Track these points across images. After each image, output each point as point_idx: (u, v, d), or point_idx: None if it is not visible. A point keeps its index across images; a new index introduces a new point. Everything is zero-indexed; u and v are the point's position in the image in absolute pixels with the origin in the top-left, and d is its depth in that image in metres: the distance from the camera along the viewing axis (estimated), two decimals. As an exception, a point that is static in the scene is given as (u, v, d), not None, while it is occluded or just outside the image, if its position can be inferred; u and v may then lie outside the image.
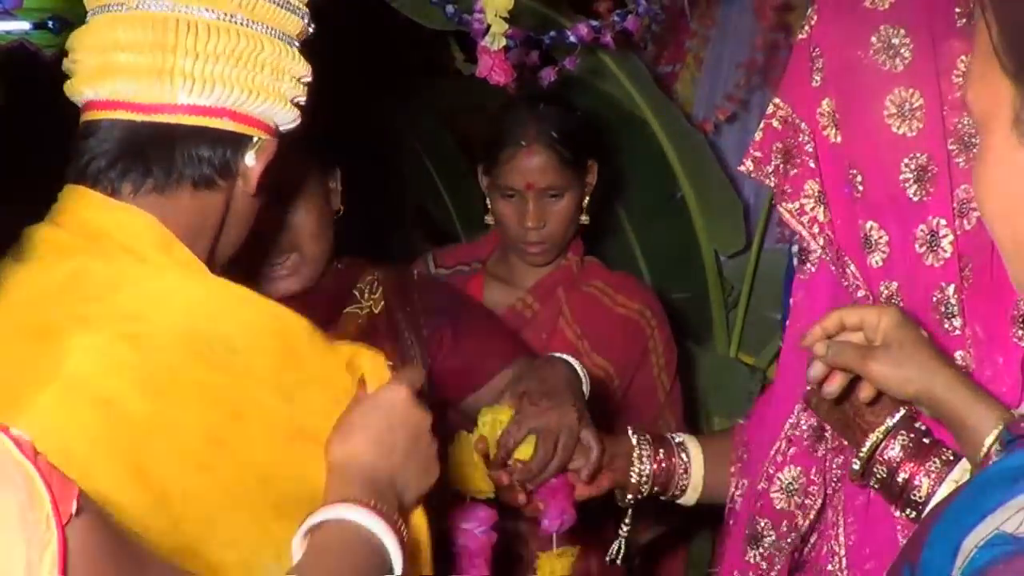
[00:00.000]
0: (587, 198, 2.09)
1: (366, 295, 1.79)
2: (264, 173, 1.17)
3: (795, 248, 1.41)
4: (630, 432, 1.50)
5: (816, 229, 1.28)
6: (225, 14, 1.11)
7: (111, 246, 1.09)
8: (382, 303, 1.79)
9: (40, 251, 1.10)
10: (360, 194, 1.87)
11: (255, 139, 1.14)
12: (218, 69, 1.10)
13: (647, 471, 1.48)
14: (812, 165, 1.29)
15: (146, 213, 1.11)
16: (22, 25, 2.27)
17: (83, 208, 1.12)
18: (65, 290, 1.06)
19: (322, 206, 1.71)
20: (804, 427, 1.32)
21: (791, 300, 1.36)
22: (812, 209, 1.29)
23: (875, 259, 1.26)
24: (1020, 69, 0.69)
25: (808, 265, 1.32)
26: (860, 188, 1.25)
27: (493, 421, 1.46)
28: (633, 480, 1.48)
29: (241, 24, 1.11)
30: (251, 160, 1.14)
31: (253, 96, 1.12)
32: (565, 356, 1.60)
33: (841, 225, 1.28)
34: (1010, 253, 0.75)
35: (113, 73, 1.11)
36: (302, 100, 1.18)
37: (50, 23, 2.28)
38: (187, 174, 1.12)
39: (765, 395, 1.46)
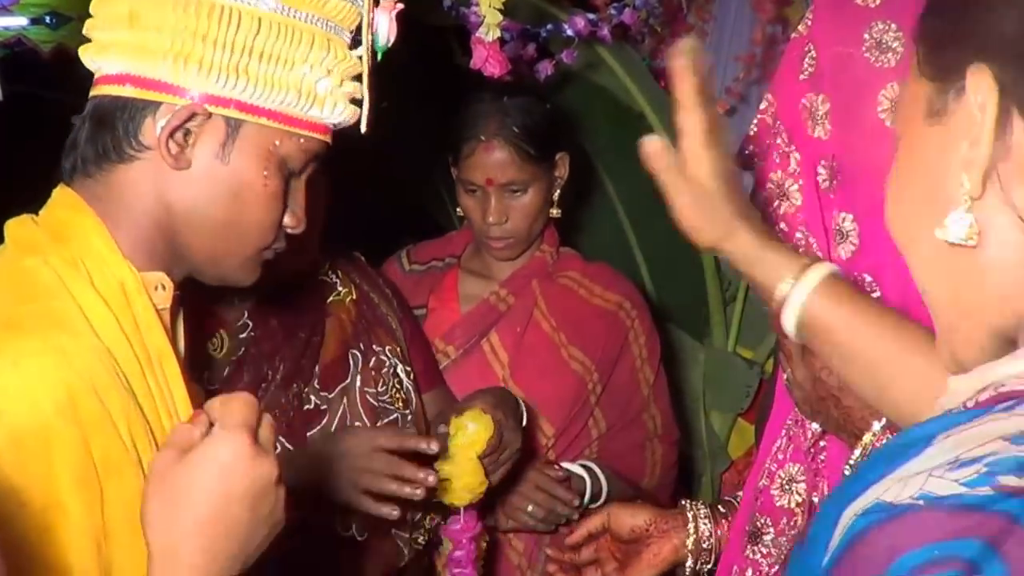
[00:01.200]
0: (557, 191, 2.03)
1: (335, 281, 1.77)
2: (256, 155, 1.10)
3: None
4: (683, 501, 1.52)
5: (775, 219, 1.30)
6: None
7: (71, 246, 1.05)
8: (353, 288, 1.78)
9: (10, 245, 1.07)
10: (360, 194, 1.86)
11: (164, 105, 1.06)
12: (118, 35, 1.06)
13: (707, 531, 1.47)
14: (777, 159, 1.30)
15: (91, 211, 1.07)
16: (19, 21, 2.27)
17: (58, 205, 1.10)
18: (8, 289, 1.01)
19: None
20: (805, 426, 1.32)
21: None
22: (776, 203, 1.30)
23: (845, 249, 1.27)
24: (936, 69, 0.74)
25: None
26: (836, 180, 1.26)
27: (485, 425, 1.66)
28: (691, 545, 1.47)
29: None
30: (159, 128, 1.06)
31: (160, 58, 1.05)
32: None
33: (807, 217, 1.29)
34: (917, 263, 0.80)
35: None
36: (258, 69, 1.08)
37: (47, 18, 2.28)
38: (98, 150, 1.08)
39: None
